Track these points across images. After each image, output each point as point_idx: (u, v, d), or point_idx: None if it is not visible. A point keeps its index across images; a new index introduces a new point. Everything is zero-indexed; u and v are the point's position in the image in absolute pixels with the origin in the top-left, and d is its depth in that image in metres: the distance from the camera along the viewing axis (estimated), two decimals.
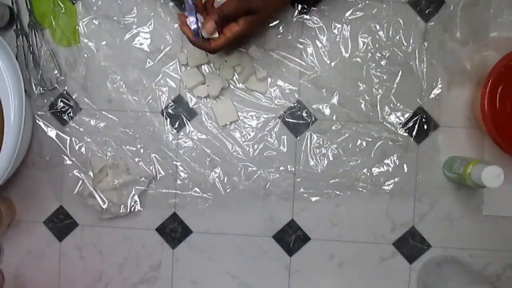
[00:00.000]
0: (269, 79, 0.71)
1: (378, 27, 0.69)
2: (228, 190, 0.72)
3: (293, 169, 0.71)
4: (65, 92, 0.72)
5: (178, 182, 0.72)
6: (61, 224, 0.74)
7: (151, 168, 0.72)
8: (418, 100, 0.70)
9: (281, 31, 0.70)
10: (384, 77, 0.70)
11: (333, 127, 0.71)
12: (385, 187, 0.70)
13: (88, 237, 0.74)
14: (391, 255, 0.71)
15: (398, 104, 0.70)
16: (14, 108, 0.65)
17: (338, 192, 0.71)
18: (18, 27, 0.71)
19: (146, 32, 0.71)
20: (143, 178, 0.71)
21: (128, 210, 0.71)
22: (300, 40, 0.70)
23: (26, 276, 0.75)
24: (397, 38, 0.69)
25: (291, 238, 0.72)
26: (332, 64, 0.70)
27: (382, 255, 0.72)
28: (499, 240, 0.70)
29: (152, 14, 0.71)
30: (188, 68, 0.71)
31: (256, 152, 0.71)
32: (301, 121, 0.71)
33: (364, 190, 0.70)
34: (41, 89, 0.71)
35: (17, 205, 0.74)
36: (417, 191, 0.70)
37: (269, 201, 0.71)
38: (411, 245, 0.71)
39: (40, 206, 0.74)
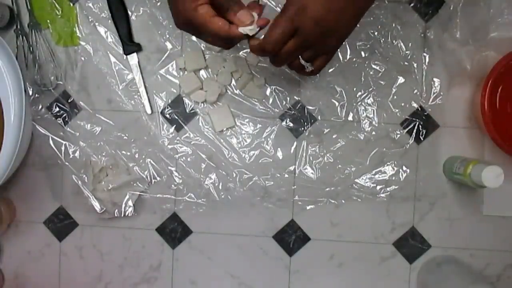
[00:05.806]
0: (267, 86, 0.71)
1: (378, 26, 0.69)
2: (222, 196, 0.71)
3: (289, 176, 0.71)
4: (64, 92, 0.72)
5: (173, 187, 0.72)
6: (61, 224, 0.74)
7: (146, 172, 0.72)
8: (418, 100, 0.70)
9: None
10: (384, 78, 0.70)
11: (331, 132, 0.70)
12: (387, 188, 0.70)
13: (88, 237, 0.74)
14: (391, 255, 0.71)
15: (398, 104, 0.70)
16: (14, 108, 0.65)
17: (332, 201, 0.71)
18: (18, 27, 0.71)
19: (144, 35, 0.71)
20: (137, 183, 0.71)
21: (122, 215, 0.71)
22: None
23: (26, 276, 0.75)
24: (397, 38, 0.69)
25: (291, 238, 0.72)
26: (330, 70, 0.70)
27: (382, 255, 0.72)
28: (499, 240, 0.70)
29: (150, 16, 0.71)
30: (186, 72, 0.71)
31: (252, 159, 0.71)
32: (298, 128, 0.71)
33: (363, 195, 0.70)
34: (40, 89, 0.71)
35: (17, 205, 0.74)
36: (417, 191, 0.70)
37: (264, 208, 0.71)
38: (411, 245, 0.71)
39: (40, 206, 0.74)
